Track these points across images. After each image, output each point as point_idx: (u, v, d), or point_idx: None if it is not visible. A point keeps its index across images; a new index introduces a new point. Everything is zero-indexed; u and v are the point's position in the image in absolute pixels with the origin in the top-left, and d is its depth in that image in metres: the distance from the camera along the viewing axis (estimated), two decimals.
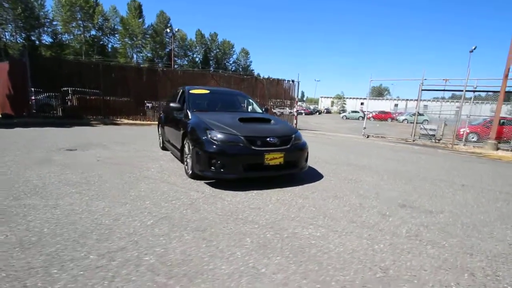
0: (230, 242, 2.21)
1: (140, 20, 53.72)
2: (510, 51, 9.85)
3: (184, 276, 1.75)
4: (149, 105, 15.56)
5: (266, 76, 15.75)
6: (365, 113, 17.03)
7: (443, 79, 12.51)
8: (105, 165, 4.53)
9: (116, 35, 53.60)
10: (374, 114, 36.83)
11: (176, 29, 32.84)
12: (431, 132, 13.20)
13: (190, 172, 3.86)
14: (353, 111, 40.25)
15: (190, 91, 4.98)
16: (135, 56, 57.45)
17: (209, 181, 3.83)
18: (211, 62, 69.84)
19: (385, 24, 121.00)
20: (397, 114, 37.68)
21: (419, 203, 3.43)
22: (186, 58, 66.05)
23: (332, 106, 67.88)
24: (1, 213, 2.55)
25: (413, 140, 12.60)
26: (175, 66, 53.65)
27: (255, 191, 3.52)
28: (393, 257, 2.13)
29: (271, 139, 3.65)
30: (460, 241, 2.48)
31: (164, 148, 6.19)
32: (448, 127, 13.71)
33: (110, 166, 4.48)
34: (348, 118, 36.48)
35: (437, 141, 12.62)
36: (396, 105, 60.65)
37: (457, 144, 11.29)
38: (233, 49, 73.61)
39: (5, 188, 3.21)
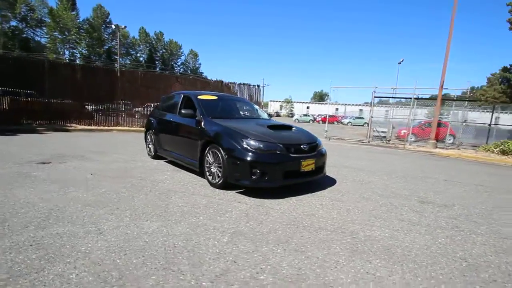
0: (323, 251, 2.23)
1: (74, 13, 47.86)
2: (444, 66, 11.83)
3: None
4: (89, 107, 13.95)
5: (212, 79, 15.69)
6: (326, 116, 18.30)
7: (392, 88, 14.35)
8: (105, 180, 4.00)
9: (44, 28, 46.67)
10: (322, 117, 39.94)
11: (123, 26, 29.94)
12: (382, 134, 14.96)
13: (220, 181, 3.69)
14: (304, 115, 42.82)
15: (199, 97, 4.74)
16: (67, 52, 50.90)
17: (239, 190, 3.73)
18: (157, 62, 66.13)
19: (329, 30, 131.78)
20: (341, 117, 41.38)
21: (431, 199, 3.93)
22: (128, 57, 61.21)
23: (280, 109, 70.83)
24: (39, 247, 2.08)
25: (368, 142, 14.07)
26: (116, 65, 49.29)
27: (293, 198, 3.56)
28: (459, 247, 2.44)
29: (304, 146, 3.75)
30: (488, 228, 2.95)
31: (156, 156, 5.72)
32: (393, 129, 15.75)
33: (113, 180, 3.98)
34: (300, 121, 38.61)
35: (387, 141, 14.35)
36: (336, 109, 66.61)
37: (404, 144, 13.01)
38: (181, 50, 71.10)
39: (7, 214, 2.61)
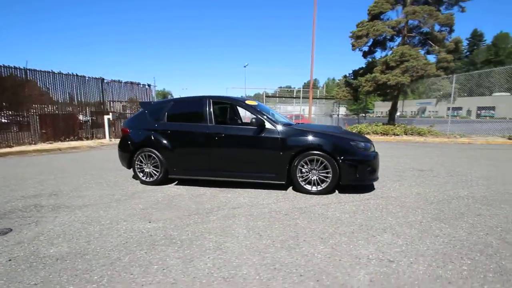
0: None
1: None
2: (311, 70, 15.47)
3: None
4: None
5: (86, 75, 12.70)
6: None
7: (278, 88, 16.96)
8: (191, 223, 2.89)
9: None
10: None
11: None
12: None
13: (328, 185, 3.62)
14: None
15: (247, 102, 4.23)
16: None
17: (336, 192, 3.84)
18: None
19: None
20: None
21: (419, 168, 5.61)
22: None
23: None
24: None
25: None
26: None
27: (376, 188, 4.14)
28: (485, 195, 3.92)
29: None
30: (469, 180, 4.86)
31: (162, 181, 4.29)
32: None
33: (207, 222, 2.93)
34: None
35: None
36: None
37: None
38: None
39: None
